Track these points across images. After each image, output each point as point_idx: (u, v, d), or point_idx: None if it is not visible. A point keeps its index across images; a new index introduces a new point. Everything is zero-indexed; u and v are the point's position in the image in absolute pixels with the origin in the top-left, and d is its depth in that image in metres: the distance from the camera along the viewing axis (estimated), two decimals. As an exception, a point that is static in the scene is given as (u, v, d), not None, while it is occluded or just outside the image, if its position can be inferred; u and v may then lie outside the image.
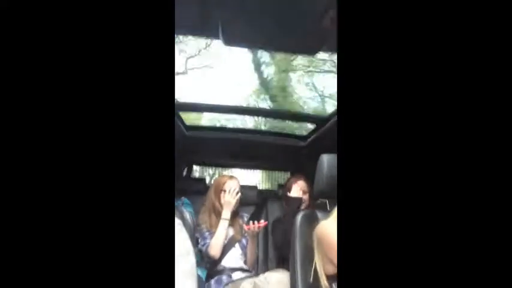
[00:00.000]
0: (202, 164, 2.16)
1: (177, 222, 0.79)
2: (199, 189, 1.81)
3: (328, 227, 0.80)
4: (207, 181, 2.08)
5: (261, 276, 1.17)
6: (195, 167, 2.20)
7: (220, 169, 2.26)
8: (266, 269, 1.53)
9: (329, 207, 1.01)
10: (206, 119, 1.52)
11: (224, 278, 1.34)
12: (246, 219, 1.52)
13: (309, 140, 1.57)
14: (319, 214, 0.93)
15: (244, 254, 1.42)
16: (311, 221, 0.91)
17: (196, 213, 1.52)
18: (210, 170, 2.35)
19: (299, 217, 0.93)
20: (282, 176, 2.40)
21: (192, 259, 0.77)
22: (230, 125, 1.70)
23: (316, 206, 1.47)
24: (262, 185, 2.37)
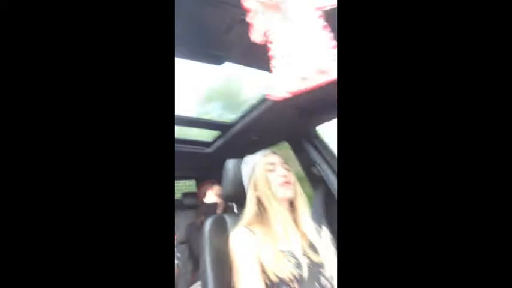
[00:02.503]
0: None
1: None
2: None
3: (236, 236, 0.82)
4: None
5: None
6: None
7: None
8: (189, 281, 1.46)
9: (236, 210, 1.05)
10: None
11: None
12: None
13: (214, 145, 1.60)
14: (227, 217, 0.96)
15: None
16: (220, 226, 0.93)
17: None
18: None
19: (207, 222, 0.94)
20: (185, 185, 2.34)
21: None
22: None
23: (223, 210, 1.50)
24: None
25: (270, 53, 0.53)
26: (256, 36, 0.54)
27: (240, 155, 1.04)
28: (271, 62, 0.52)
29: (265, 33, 0.53)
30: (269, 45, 0.53)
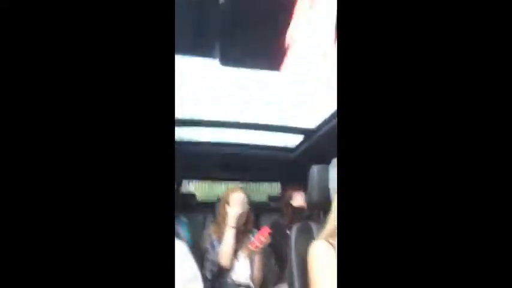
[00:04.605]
0: (192, 178, 2.14)
1: (182, 245, 0.78)
2: (190, 204, 1.79)
3: (314, 249, 0.80)
4: (198, 196, 2.06)
5: None
6: (185, 182, 2.18)
7: (210, 183, 2.25)
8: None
9: (322, 218, 1.02)
10: (196, 133, 1.56)
11: None
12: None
13: (298, 151, 1.60)
14: (313, 225, 0.94)
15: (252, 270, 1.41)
16: (306, 233, 0.92)
17: (190, 233, 1.51)
18: (202, 185, 2.33)
19: (294, 230, 0.94)
20: (271, 188, 2.40)
21: (199, 285, 0.76)
22: (221, 139, 1.71)
23: (309, 217, 1.48)
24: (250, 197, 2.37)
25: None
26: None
27: (324, 160, 1.01)
28: None
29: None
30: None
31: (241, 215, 1.40)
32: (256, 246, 1.30)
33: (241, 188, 1.53)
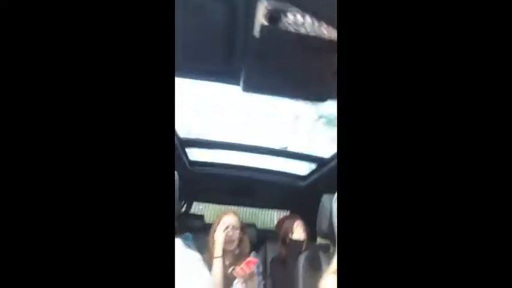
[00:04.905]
0: (201, 200, 2.14)
1: (194, 254, 0.79)
2: (197, 226, 1.78)
3: (323, 284, 0.78)
4: (206, 218, 2.04)
5: None
6: (195, 203, 2.18)
7: (218, 205, 2.24)
8: None
9: (331, 249, 1.00)
10: (210, 156, 1.57)
11: None
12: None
13: (309, 180, 1.59)
14: (322, 256, 0.93)
15: None
16: (314, 263, 0.91)
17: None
18: (210, 207, 2.32)
19: (302, 260, 0.92)
20: (279, 215, 2.37)
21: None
22: (233, 162, 1.72)
23: (317, 246, 1.44)
24: (260, 224, 2.34)
25: None
26: None
27: (335, 191, 1.01)
28: None
29: None
30: None
31: (229, 241, 1.35)
32: (238, 273, 1.27)
33: (233, 212, 1.48)
